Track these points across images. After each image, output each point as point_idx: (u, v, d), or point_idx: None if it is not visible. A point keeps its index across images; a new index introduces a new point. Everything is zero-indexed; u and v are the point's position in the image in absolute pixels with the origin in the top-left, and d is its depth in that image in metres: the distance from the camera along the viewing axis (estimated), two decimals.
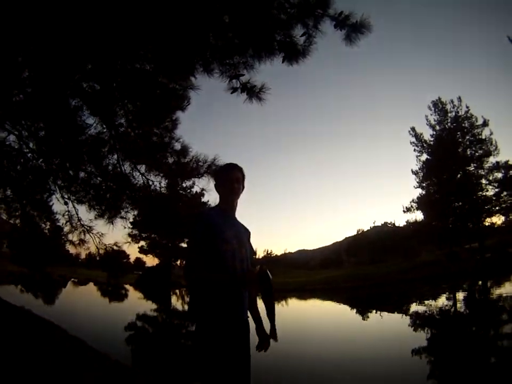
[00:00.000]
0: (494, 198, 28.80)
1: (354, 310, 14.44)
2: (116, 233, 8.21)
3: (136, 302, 22.13)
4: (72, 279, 39.81)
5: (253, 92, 4.95)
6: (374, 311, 13.08)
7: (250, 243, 2.26)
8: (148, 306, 19.44)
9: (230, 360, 1.86)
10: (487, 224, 29.41)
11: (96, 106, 6.02)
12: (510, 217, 29.77)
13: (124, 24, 4.21)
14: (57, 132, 6.29)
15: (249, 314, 2.12)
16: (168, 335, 10.50)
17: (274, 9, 4.39)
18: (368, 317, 12.12)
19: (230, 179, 2.14)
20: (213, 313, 1.89)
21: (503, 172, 28.46)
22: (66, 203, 7.51)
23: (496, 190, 28.79)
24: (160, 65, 5.28)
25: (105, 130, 6.61)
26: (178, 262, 43.75)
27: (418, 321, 10.15)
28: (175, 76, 5.60)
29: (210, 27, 4.40)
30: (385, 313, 12.33)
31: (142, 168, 7.00)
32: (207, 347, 1.86)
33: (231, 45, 4.71)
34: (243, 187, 2.22)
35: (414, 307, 13.22)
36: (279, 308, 15.60)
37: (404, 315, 11.62)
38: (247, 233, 2.26)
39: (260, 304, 2.18)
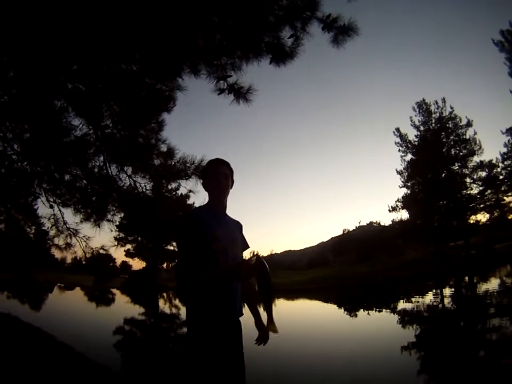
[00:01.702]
0: (478, 196, 29.43)
1: (346, 309, 14.50)
2: (102, 237, 8.08)
3: (124, 306, 21.90)
4: (59, 285, 39.14)
5: (240, 93, 4.94)
6: (364, 309, 13.16)
7: (243, 236, 2.24)
8: (136, 311, 19.23)
9: (223, 363, 1.83)
10: (471, 221, 29.99)
11: (82, 108, 5.92)
12: (495, 214, 30.39)
13: (112, 24, 4.15)
14: (42, 133, 6.17)
15: (247, 309, 2.12)
16: (158, 339, 10.41)
17: (263, 11, 4.39)
18: (359, 315, 12.20)
19: (217, 175, 2.08)
20: (205, 315, 1.87)
21: (487, 170, 29.14)
22: (51, 206, 7.36)
23: (481, 188, 29.42)
24: (146, 65, 5.23)
25: (91, 132, 6.51)
26: (165, 265, 43.48)
27: (408, 318, 10.25)
28: (162, 77, 5.56)
29: (199, 27, 4.37)
30: (376, 311, 12.44)
31: (129, 170, 6.92)
32: (200, 350, 1.83)
33: (219, 46, 4.69)
34: (232, 182, 2.17)
35: (404, 304, 13.33)
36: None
37: (394, 312, 11.71)
38: (238, 228, 2.22)
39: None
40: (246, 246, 2.25)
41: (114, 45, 4.67)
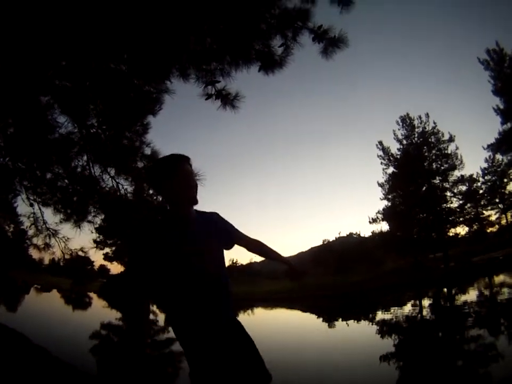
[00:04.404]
0: (458, 210, 29.95)
1: (324, 319, 14.52)
2: (81, 239, 7.95)
3: (101, 311, 21.50)
4: (35, 286, 38.19)
5: (228, 99, 4.97)
6: (343, 319, 13.19)
7: (224, 225, 1.95)
8: (113, 315, 18.88)
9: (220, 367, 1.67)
10: (451, 234, 30.49)
11: (68, 105, 5.82)
12: (474, 228, 31.07)
13: (103, 21, 4.11)
14: (27, 129, 6.02)
15: None
16: None
17: (255, 18, 4.42)
18: (337, 325, 12.23)
19: (188, 177, 1.72)
20: (187, 325, 1.71)
21: (467, 184, 29.83)
22: (31, 205, 7.20)
23: (461, 202, 30.02)
24: (135, 66, 5.18)
25: (75, 130, 6.40)
26: None
27: (387, 328, 10.31)
28: (151, 79, 5.51)
29: (190, 31, 4.37)
30: (355, 322, 12.48)
31: (112, 171, 6.82)
32: (194, 359, 1.70)
33: (209, 50, 4.70)
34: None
35: (382, 315, 13.40)
36: (244, 317, 15.55)
37: (373, 323, 11.76)
38: (214, 222, 1.88)
39: None
40: (235, 234, 2.02)
41: (104, 43, 4.62)
